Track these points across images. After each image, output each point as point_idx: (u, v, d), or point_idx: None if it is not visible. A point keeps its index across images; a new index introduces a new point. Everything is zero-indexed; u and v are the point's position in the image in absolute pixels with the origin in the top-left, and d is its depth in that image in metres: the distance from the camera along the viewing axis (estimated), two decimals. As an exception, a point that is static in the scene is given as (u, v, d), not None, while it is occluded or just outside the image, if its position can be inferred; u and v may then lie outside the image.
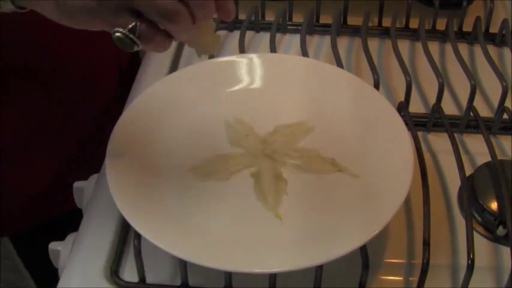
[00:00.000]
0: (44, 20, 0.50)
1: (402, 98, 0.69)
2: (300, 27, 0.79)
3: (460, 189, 0.62)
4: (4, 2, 0.48)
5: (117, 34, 0.47)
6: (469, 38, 0.81)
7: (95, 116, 0.83)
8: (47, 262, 0.65)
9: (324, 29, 0.82)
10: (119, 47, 0.47)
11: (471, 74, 0.69)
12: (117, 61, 0.87)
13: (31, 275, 0.89)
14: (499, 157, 0.61)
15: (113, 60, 0.86)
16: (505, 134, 0.69)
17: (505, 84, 0.68)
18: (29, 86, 0.73)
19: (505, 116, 0.68)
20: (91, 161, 0.70)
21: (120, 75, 0.87)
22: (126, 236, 0.59)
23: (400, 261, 0.57)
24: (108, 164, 0.56)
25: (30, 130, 0.75)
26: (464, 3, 0.82)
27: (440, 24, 0.82)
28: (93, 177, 0.68)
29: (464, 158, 0.61)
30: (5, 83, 0.70)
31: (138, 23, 0.46)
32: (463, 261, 0.54)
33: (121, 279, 0.56)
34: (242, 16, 0.82)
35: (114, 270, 0.56)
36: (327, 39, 0.78)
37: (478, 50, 0.78)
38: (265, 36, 0.80)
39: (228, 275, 0.53)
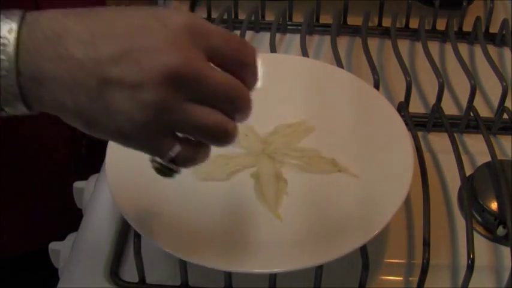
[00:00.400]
0: None
1: (402, 98, 0.69)
2: (300, 27, 0.79)
3: (460, 189, 0.62)
4: (10, 107, 0.40)
5: (156, 165, 0.42)
6: (469, 38, 0.81)
7: None
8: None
9: (324, 29, 0.82)
10: (157, 173, 0.43)
11: (471, 74, 0.69)
12: None
13: None
14: (499, 157, 0.61)
15: None
16: (505, 134, 0.69)
17: (505, 84, 0.68)
18: None
19: (505, 116, 0.68)
20: (91, 161, 0.70)
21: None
22: (126, 236, 0.59)
23: (400, 261, 0.57)
24: (108, 164, 0.56)
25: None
26: (464, 3, 0.82)
27: (441, 24, 0.82)
28: (93, 177, 0.68)
29: (464, 158, 0.61)
30: None
31: (179, 150, 0.41)
32: (463, 261, 0.54)
33: (121, 279, 0.55)
34: (242, 16, 0.82)
35: (114, 270, 0.56)
36: (327, 39, 0.77)
37: (478, 50, 0.78)
38: (265, 36, 0.79)
39: (228, 275, 0.53)
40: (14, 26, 0.38)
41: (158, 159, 0.41)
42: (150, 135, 0.40)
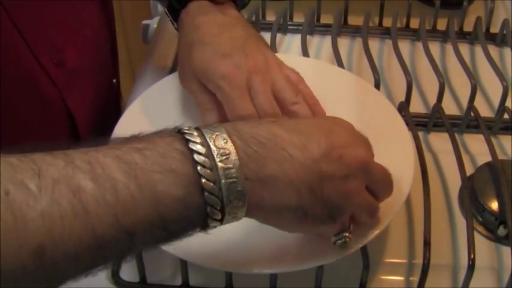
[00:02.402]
0: None
1: (403, 98, 0.69)
2: (300, 27, 0.80)
3: (461, 189, 0.62)
4: (234, 215, 0.42)
5: (346, 240, 0.48)
6: (470, 37, 0.81)
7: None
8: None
9: (325, 29, 0.82)
10: (341, 248, 0.48)
11: (472, 74, 0.69)
12: None
13: None
14: (500, 157, 0.61)
15: None
16: (505, 134, 0.69)
17: (505, 84, 0.68)
18: None
19: (506, 116, 0.68)
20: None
21: None
22: (126, 236, 0.59)
23: (401, 261, 0.57)
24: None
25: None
26: (465, 3, 0.82)
27: (441, 24, 0.82)
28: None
29: (464, 158, 0.61)
30: None
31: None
32: (464, 261, 0.54)
33: (122, 279, 0.56)
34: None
35: (115, 270, 0.56)
36: (328, 39, 0.78)
37: (478, 49, 0.78)
38: (266, 36, 0.79)
39: (229, 275, 0.53)
40: (225, 136, 0.40)
41: (347, 234, 0.48)
42: (347, 215, 0.47)
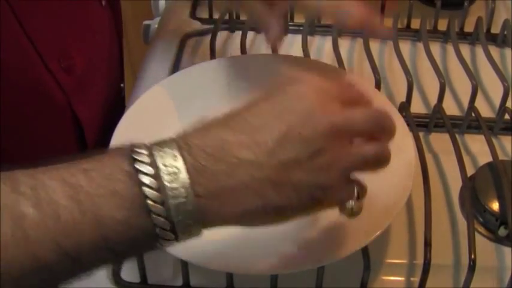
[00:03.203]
0: None
1: (403, 98, 0.69)
2: (301, 28, 0.79)
3: (462, 189, 0.62)
4: (187, 233, 0.40)
5: (349, 209, 0.44)
6: (471, 38, 0.81)
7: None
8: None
9: (326, 30, 0.82)
10: (349, 217, 0.45)
11: (472, 75, 0.69)
12: None
13: None
14: (501, 157, 0.61)
15: None
16: (506, 135, 0.69)
17: (506, 84, 0.68)
18: None
19: (507, 116, 0.68)
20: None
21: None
22: (127, 237, 0.59)
23: (402, 261, 0.57)
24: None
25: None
26: (466, 4, 0.82)
27: (442, 25, 0.82)
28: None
29: (465, 158, 0.61)
30: None
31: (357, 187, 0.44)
32: (465, 261, 0.54)
33: (122, 280, 0.56)
34: (244, 17, 0.82)
35: (115, 271, 0.56)
36: (329, 40, 0.77)
37: (479, 50, 0.78)
38: (267, 37, 0.79)
39: (230, 276, 0.53)
40: (175, 152, 0.38)
41: (350, 203, 0.44)
42: (340, 187, 0.42)
